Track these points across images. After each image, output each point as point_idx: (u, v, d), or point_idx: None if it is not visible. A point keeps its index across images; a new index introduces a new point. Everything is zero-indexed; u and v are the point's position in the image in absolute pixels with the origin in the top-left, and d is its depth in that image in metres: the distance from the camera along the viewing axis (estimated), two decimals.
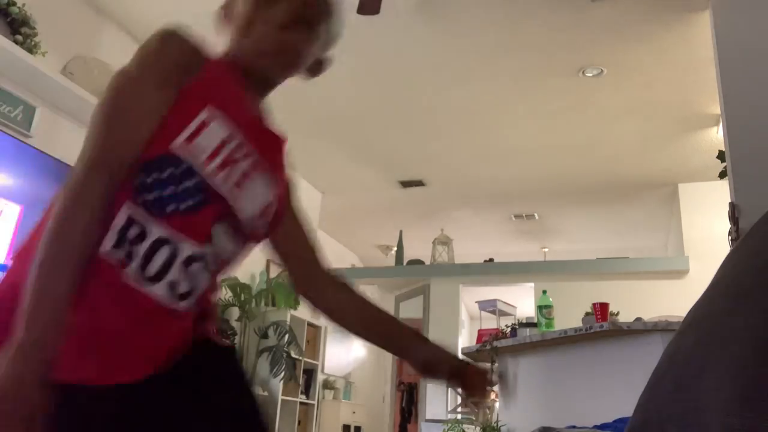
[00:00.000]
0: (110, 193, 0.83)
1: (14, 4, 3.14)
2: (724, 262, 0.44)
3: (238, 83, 0.99)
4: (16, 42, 3.11)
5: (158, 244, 0.85)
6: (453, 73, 4.50)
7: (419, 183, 6.53)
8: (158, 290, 0.85)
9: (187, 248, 0.87)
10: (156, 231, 0.85)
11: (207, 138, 0.88)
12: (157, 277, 0.85)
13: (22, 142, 3.25)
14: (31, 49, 3.19)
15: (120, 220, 0.84)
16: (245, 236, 0.98)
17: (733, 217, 2.09)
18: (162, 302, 0.86)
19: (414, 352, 1.18)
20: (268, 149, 1.01)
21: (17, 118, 3.27)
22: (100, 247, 0.83)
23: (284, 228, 1.10)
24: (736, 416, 0.34)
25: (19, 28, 3.15)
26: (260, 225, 0.99)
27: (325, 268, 1.15)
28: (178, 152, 0.87)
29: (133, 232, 0.84)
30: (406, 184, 6.57)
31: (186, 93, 0.91)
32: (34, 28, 3.22)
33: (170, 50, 0.94)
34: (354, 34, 4.05)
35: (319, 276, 1.15)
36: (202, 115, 0.89)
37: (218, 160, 0.89)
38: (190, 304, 0.90)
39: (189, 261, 0.87)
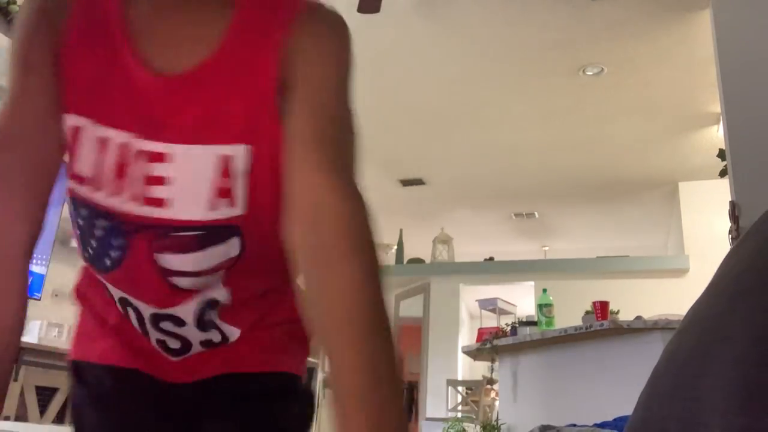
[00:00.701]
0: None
1: (14, 2, 3.14)
2: (724, 260, 0.44)
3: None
4: None
5: (125, 304, 0.71)
6: (453, 72, 4.50)
7: (419, 182, 6.53)
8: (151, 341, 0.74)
9: (145, 307, 0.70)
10: (116, 293, 0.72)
11: (86, 150, 0.65)
12: (145, 334, 0.73)
13: None
14: None
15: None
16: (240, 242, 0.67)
17: (734, 215, 2.09)
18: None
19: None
20: (209, 94, 0.64)
21: None
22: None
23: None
24: (736, 415, 0.34)
25: None
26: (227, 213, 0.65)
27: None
28: (72, 186, 0.69)
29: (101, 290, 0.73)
30: (406, 183, 6.57)
31: (60, 71, 0.65)
32: None
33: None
34: (354, 34, 4.05)
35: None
36: (71, 118, 0.65)
37: (110, 171, 0.65)
38: (197, 350, 0.74)
39: (156, 320, 0.71)
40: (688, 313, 0.45)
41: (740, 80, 2.30)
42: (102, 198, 0.66)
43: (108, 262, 0.68)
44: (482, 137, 5.51)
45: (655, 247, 7.84)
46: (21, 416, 2.98)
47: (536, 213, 7.39)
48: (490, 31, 4.02)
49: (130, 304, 0.71)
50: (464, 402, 6.50)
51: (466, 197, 6.95)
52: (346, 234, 0.55)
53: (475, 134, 5.46)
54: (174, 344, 0.72)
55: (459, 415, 6.25)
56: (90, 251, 0.69)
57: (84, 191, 0.67)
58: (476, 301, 8.04)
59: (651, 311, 3.83)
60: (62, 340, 3.19)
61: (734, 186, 2.17)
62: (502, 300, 7.79)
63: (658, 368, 0.43)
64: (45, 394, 3.12)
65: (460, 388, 6.57)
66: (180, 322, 0.70)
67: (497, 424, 4.18)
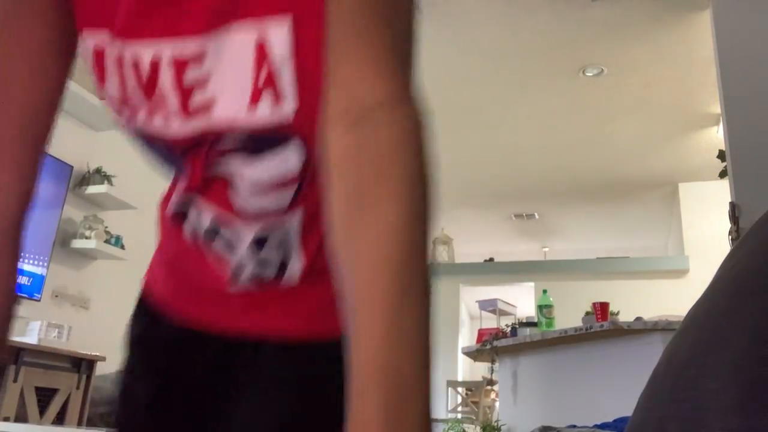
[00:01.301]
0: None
1: None
2: (724, 261, 0.44)
3: None
4: None
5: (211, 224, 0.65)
6: (453, 72, 4.50)
7: None
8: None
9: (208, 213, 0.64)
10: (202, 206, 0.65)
11: (112, 71, 0.56)
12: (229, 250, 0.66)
13: None
14: None
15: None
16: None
17: (734, 216, 2.09)
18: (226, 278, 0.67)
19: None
20: None
21: None
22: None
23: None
24: (737, 416, 0.34)
25: None
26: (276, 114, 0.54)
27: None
28: (113, 115, 0.60)
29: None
30: None
31: None
32: None
33: None
34: None
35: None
36: (89, 38, 0.56)
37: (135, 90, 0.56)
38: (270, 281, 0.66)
39: (213, 231, 0.64)
40: (688, 314, 0.45)
41: (740, 81, 2.31)
42: (144, 121, 0.57)
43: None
44: (482, 138, 5.51)
45: (655, 247, 7.85)
46: (21, 417, 2.98)
47: (536, 214, 7.39)
48: (491, 31, 4.02)
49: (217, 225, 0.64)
50: (464, 403, 6.50)
51: (466, 198, 6.95)
52: (393, 159, 0.44)
53: (475, 135, 5.46)
54: (228, 255, 0.65)
55: (459, 416, 6.25)
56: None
57: (124, 118, 0.58)
58: (476, 302, 8.04)
59: (651, 312, 3.83)
60: (62, 341, 3.19)
61: (734, 187, 2.17)
62: (502, 301, 7.79)
63: (658, 369, 0.43)
64: (45, 395, 3.11)
65: (460, 389, 6.57)
66: (238, 239, 0.63)
67: (497, 425, 4.17)
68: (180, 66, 0.54)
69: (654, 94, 4.61)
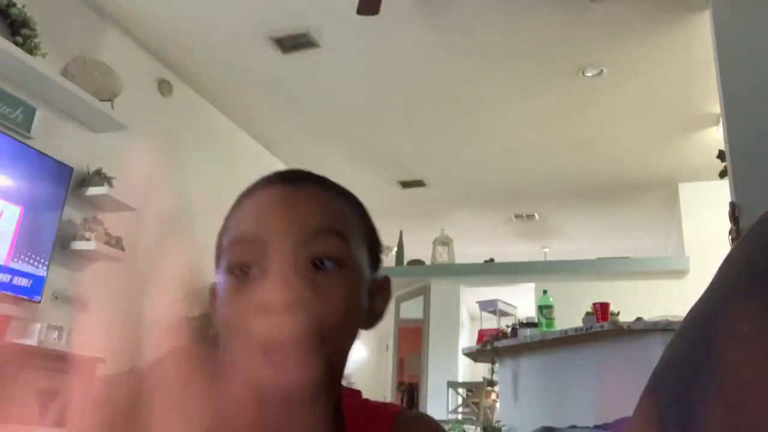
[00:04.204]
0: None
1: (14, 5, 3.14)
2: (724, 261, 0.44)
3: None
4: (16, 43, 3.11)
5: None
6: (453, 73, 4.50)
7: (419, 183, 6.53)
8: None
9: None
10: None
11: None
12: None
13: (22, 143, 3.25)
14: (32, 50, 3.19)
15: None
16: None
17: (734, 216, 2.09)
18: None
19: None
20: None
21: (17, 119, 3.27)
22: None
23: None
24: (737, 415, 0.34)
25: (19, 29, 3.15)
26: None
27: None
28: None
29: None
30: (406, 185, 6.57)
31: None
32: (34, 29, 3.22)
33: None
34: (354, 34, 4.06)
35: None
36: None
37: None
38: None
39: None
40: (687, 314, 0.45)
41: (740, 81, 2.31)
42: None
43: None
44: (482, 138, 5.51)
45: (656, 248, 7.84)
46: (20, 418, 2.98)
47: (536, 214, 7.39)
48: (490, 31, 4.02)
49: None
50: (465, 404, 6.50)
51: (466, 199, 6.95)
52: None
53: (475, 135, 5.46)
54: None
55: (459, 416, 6.25)
56: None
57: None
58: (476, 302, 8.04)
59: (651, 312, 3.83)
60: (62, 342, 3.19)
61: (734, 187, 2.17)
62: (503, 301, 7.79)
63: (659, 369, 0.43)
64: (45, 397, 3.12)
65: (460, 390, 6.57)
66: None
67: (498, 425, 4.17)
68: None
69: (654, 93, 4.61)
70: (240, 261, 0.57)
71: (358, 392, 0.66)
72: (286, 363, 0.53)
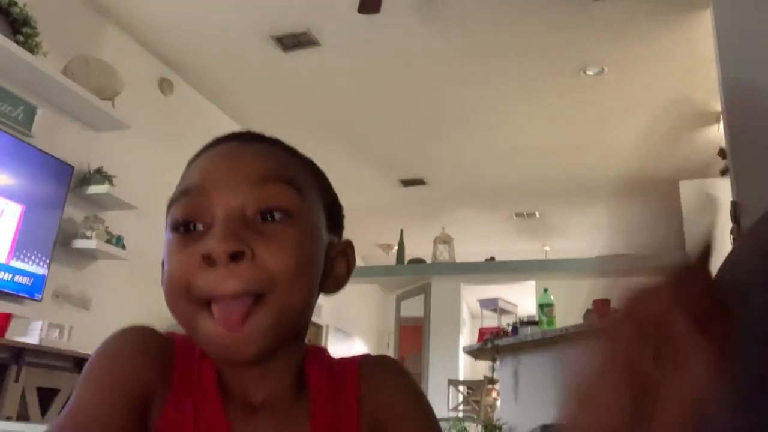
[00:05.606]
0: None
1: (15, 4, 3.14)
2: (724, 261, 0.44)
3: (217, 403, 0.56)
4: (17, 42, 3.11)
5: None
6: (453, 72, 4.50)
7: (420, 182, 6.53)
8: None
9: None
10: None
11: None
12: None
13: (23, 141, 3.26)
14: (33, 49, 3.20)
15: None
16: None
17: (735, 215, 2.09)
18: None
19: None
20: None
21: (18, 117, 3.28)
22: None
23: None
24: (740, 416, 0.34)
25: (20, 28, 3.16)
26: None
27: None
28: None
29: None
30: (407, 183, 6.57)
31: None
32: (36, 28, 3.22)
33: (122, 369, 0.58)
34: (354, 34, 4.06)
35: None
36: None
37: None
38: None
39: None
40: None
41: (741, 79, 2.30)
42: None
43: None
44: (483, 137, 5.51)
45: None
46: (22, 416, 2.98)
47: (537, 213, 7.39)
48: (491, 31, 4.01)
49: None
50: (465, 402, 6.51)
51: (467, 197, 6.95)
52: None
53: (476, 134, 5.46)
54: None
55: (460, 414, 6.25)
56: None
57: None
58: (477, 300, 8.05)
59: None
60: (63, 341, 3.20)
61: (735, 186, 2.17)
62: (503, 300, 7.80)
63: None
64: (46, 395, 3.12)
65: (461, 388, 6.58)
66: None
67: (498, 423, 4.18)
68: None
69: (655, 92, 4.61)
70: (184, 215, 0.54)
71: (323, 349, 0.64)
72: (233, 318, 0.51)
